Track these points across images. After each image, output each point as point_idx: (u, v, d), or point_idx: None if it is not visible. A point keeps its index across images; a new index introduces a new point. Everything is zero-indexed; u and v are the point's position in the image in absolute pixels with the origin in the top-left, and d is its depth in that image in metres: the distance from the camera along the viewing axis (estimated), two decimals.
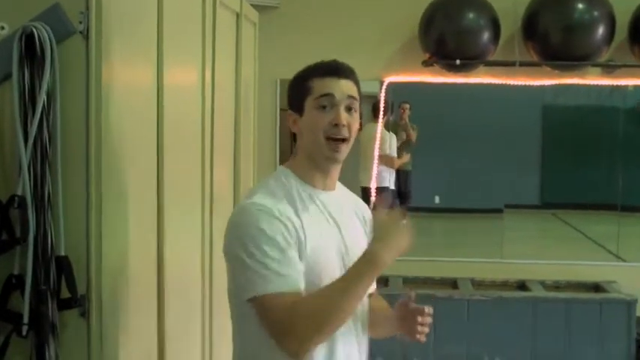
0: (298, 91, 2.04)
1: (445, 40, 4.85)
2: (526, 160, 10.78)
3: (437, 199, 10.69)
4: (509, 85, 5.12)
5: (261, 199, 1.94)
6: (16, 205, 1.87)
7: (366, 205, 2.24)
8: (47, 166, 1.89)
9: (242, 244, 1.88)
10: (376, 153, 5.82)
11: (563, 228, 10.75)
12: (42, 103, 1.87)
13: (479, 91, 5.68)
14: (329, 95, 1.99)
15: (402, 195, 7.70)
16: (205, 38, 2.99)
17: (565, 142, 11.12)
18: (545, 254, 7.76)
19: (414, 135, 7.53)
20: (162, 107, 2.46)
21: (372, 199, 6.11)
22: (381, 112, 5.48)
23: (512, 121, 9.50)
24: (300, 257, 1.91)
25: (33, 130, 1.86)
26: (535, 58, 4.92)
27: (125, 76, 2.20)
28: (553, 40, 4.85)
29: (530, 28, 4.90)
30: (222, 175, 3.33)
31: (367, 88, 7.35)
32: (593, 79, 5.16)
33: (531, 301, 5.01)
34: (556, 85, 5.16)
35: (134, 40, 2.28)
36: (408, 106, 7.37)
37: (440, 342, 4.85)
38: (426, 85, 5.12)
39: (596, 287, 5.36)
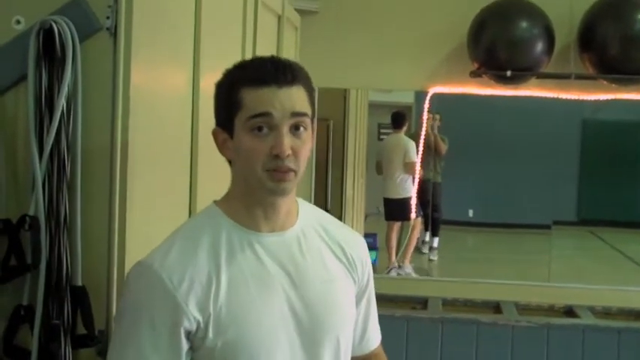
0: (225, 104, 1.55)
1: (496, 50, 4.56)
2: (563, 175, 10.56)
3: (470, 213, 10.48)
4: (548, 97, 4.83)
5: (162, 256, 1.49)
6: (27, 226, 1.69)
7: (357, 240, 1.73)
8: (64, 183, 1.70)
9: (118, 315, 1.54)
10: (418, 166, 5.56)
11: (602, 246, 10.48)
12: (60, 109, 1.69)
13: (516, 103, 5.44)
14: (265, 115, 1.48)
15: (432, 207, 7.51)
16: (245, 41, 2.81)
17: (604, 157, 10.89)
18: (589, 276, 7.49)
19: (444, 147, 7.30)
20: (197, 115, 2.27)
21: (413, 214, 5.89)
22: (424, 124, 5.21)
23: (549, 135, 9.28)
24: (201, 339, 1.47)
25: (49, 140, 1.68)
26: (591, 70, 4.63)
27: (157, 80, 2.01)
28: (611, 52, 4.55)
29: (587, 39, 4.61)
30: None
31: (401, 98, 7.24)
32: None
33: (581, 329, 4.71)
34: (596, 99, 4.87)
35: (168, 40, 2.09)
36: (438, 116, 7.16)
37: None
38: (460, 94, 4.85)
39: None
